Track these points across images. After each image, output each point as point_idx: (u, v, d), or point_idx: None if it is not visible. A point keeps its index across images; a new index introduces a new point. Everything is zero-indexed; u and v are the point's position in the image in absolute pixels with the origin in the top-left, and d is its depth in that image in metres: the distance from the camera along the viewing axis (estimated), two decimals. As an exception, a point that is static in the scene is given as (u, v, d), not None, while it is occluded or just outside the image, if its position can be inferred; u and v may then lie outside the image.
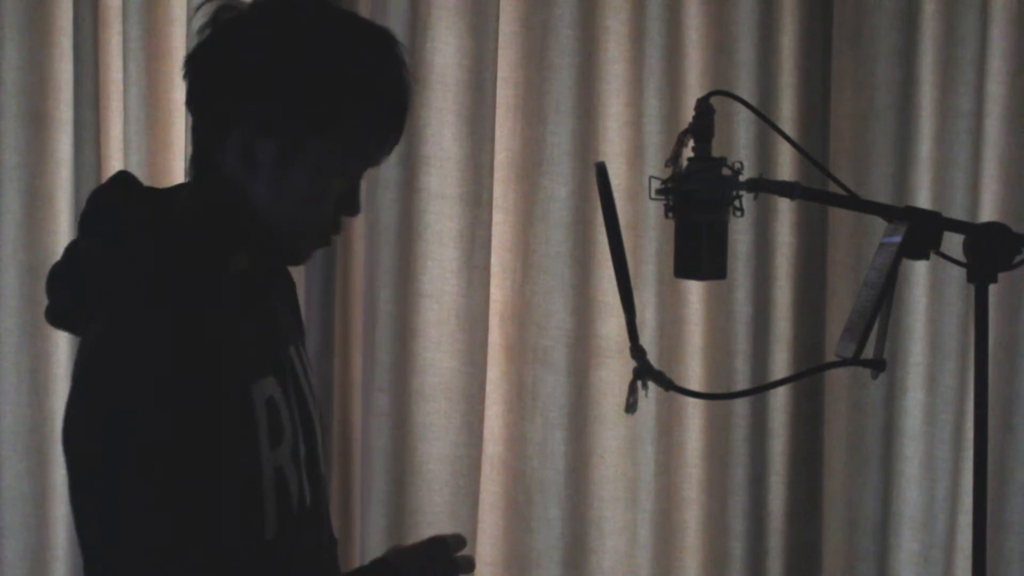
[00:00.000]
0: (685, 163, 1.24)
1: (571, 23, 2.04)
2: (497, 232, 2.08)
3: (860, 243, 2.14)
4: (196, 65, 1.10)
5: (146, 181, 1.91)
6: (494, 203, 2.06)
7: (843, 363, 1.18)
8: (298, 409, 1.17)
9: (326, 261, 2.00)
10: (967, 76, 2.11)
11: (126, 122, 1.98)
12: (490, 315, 2.07)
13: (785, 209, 2.11)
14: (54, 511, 2.00)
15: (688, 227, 1.23)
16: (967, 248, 1.21)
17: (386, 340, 2.00)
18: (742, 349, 2.10)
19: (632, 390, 1.22)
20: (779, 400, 2.12)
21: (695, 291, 2.12)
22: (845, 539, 2.19)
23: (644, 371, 1.22)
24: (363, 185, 1.19)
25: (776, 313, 2.12)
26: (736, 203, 1.22)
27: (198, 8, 1.10)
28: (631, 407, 1.23)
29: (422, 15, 2.01)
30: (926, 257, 1.23)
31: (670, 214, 1.24)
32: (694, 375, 2.13)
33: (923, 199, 2.10)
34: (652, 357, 1.25)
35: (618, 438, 2.11)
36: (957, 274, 2.05)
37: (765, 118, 1.33)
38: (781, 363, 2.11)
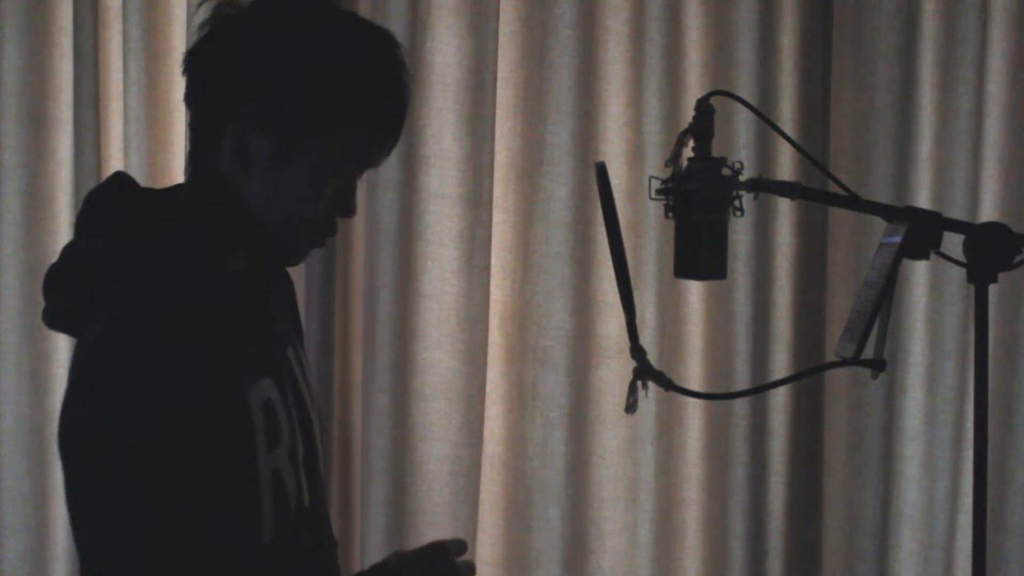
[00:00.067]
0: (685, 163, 1.24)
1: (571, 23, 2.04)
2: (497, 232, 2.08)
3: (860, 243, 2.14)
4: (195, 61, 1.10)
5: (146, 181, 1.93)
6: (494, 203, 2.06)
7: (843, 363, 1.18)
8: (296, 410, 1.16)
9: (326, 261, 2.00)
10: (967, 76, 2.11)
11: (126, 122, 1.98)
12: (490, 315, 2.07)
13: (785, 209, 2.11)
14: (54, 511, 2.00)
15: (688, 227, 1.23)
16: (967, 248, 1.21)
17: (386, 340, 2.00)
18: (742, 349, 2.10)
19: (632, 390, 1.22)
20: (779, 400, 2.12)
21: (695, 291, 2.12)
22: (845, 539, 2.19)
23: (644, 371, 1.22)
24: (360, 186, 1.18)
25: (776, 313, 2.12)
26: (736, 203, 1.22)
27: (199, 5, 1.10)
28: (631, 407, 1.23)
29: (422, 15, 2.01)
30: (926, 257, 1.23)
31: (670, 214, 1.24)
32: (694, 375, 2.13)
33: (923, 199, 2.10)
34: (652, 357, 1.25)
35: (618, 438, 2.11)
36: (957, 274, 2.05)
37: (765, 118, 1.33)
38: (781, 363, 2.11)
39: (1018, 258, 1.20)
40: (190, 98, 1.11)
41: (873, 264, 1.24)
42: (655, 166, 2.05)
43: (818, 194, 1.35)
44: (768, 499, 2.12)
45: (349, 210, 1.14)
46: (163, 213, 1.10)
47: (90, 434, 0.99)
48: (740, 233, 2.07)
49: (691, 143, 1.24)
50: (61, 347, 1.99)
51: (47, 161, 1.99)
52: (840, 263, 2.16)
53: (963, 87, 2.11)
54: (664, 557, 2.13)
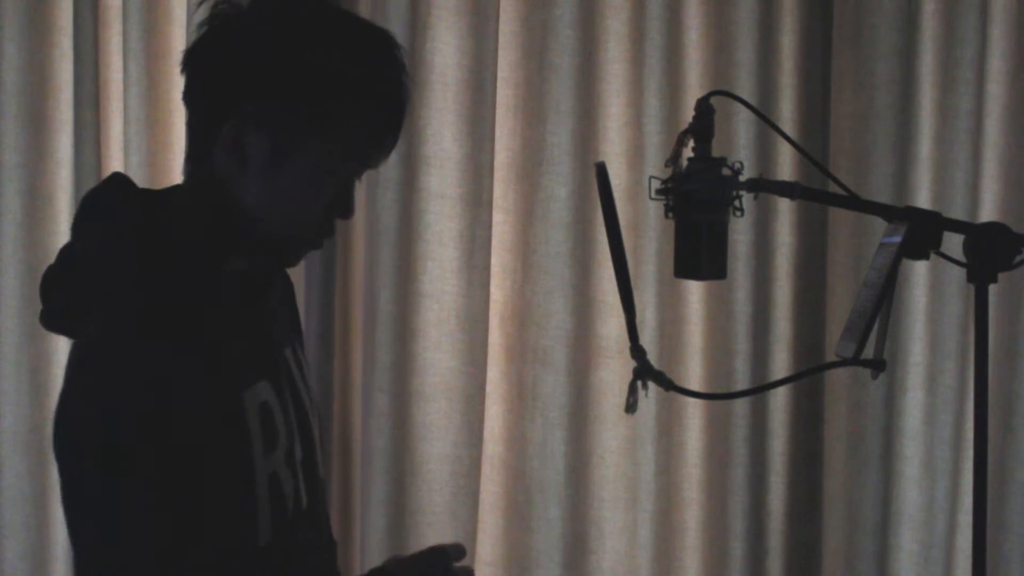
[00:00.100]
0: (685, 163, 1.24)
1: (571, 23, 2.04)
2: (497, 232, 2.08)
3: (860, 243, 2.14)
4: (194, 60, 1.09)
5: (147, 181, 1.94)
6: (494, 203, 2.06)
7: (843, 363, 1.18)
8: (294, 412, 1.16)
9: (326, 261, 2.00)
10: (967, 76, 2.11)
11: (126, 122, 1.98)
12: (490, 315, 2.07)
13: (785, 209, 2.11)
14: (54, 511, 2.00)
15: (688, 227, 1.23)
16: (967, 248, 1.21)
17: (386, 340, 2.00)
18: (742, 349, 2.10)
19: (632, 390, 1.22)
20: (779, 400, 2.12)
21: (695, 291, 2.12)
22: (845, 539, 2.19)
23: (644, 371, 1.22)
24: (359, 186, 1.18)
25: (776, 313, 2.12)
26: (736, 203, 1.22)
27: (199, 4, 1.10)
28: (631, 407, 1.23)
29: (422, 15, 2.01)
30: (926, 257, 1.23)
31: (670, 214, 1.24)
32: (694, 375, 2.13)
33: (923, 199, 2.10)
34: (652, 357, 1.25)
35: (618, 438, 2.11)
36: (957, 274, 2.05)
37: (765, 118, 1.33)
38: (781, 363, 2.11)
39: (1018, 258, 1.20)
40: (188, 97, 1.11)
41: (873, 264, 1.24)
42: (655, 166, 2.05)
43: (818, 194, 1.35)
44: (768, 499, 2.12)
45: (347, 211, 1.13)
46: (161, 214, 1.10)
47: (86, 434, 0.98)
48: (740, 233, 2.07)
49: (691, 143, 1.24)
50: (61, 347, 1.99)
51: (47, 161, 1.99)
52: (840, 263, 2.16)
53: (963, 87, 2.11)
54: (664, 557, 2.13)
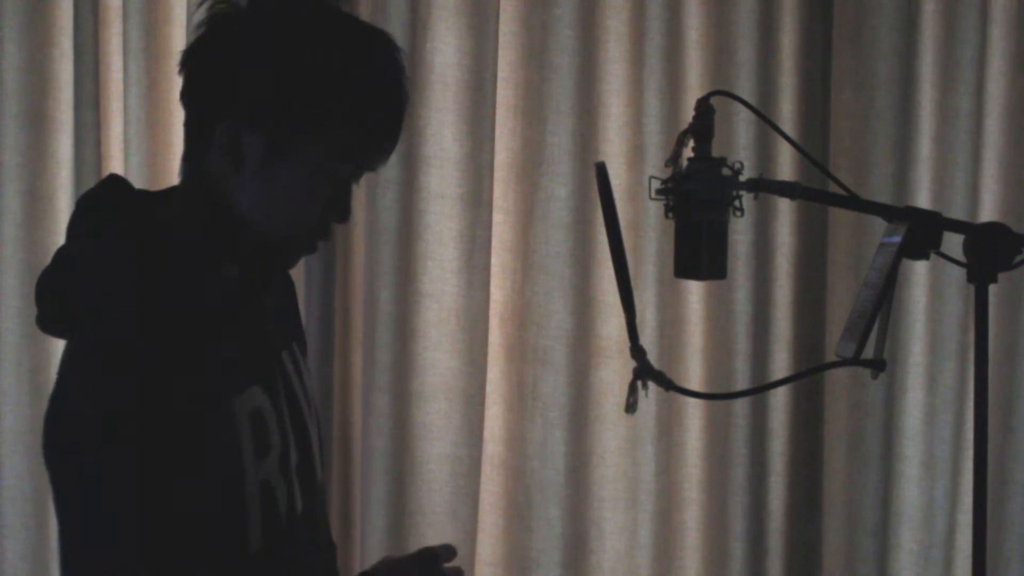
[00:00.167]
0: (685, 163, 1.24)
1: (571, 23, 2.04)
2: (497, 232, 2.08)
3: (860, 243, 2.14)
4: (192, 59, 1.09)
5: (147, 181, 1.94)
6: (494, 203, 2.06)
7: (843, 363, 1.18)
8: (290, 417, 1.15)
9: (326, 261, 2.00)
10: (967, 76, 2.11)
11: (126, 122, 1.98)
12: (490, 315, 2.07)
13: (785, 209, 2.11)
14: (54, 511, 2.00)
15: (688, 227, 1.23)
16: (967, 248, 1.21)
17: (386, 340, 2.00)
18: (742, 349, 2.10)
19: (632, 390, 1.22)
20: (779, 400, 2.12)
21: (695, 291, 2.12)
22: (845, 539, 2.19)
23: (644, 371, 1.22)
24: (359, 187, 1.18)
25: (776, 313, 2.12)
26: (736, 203, 1.22)
27: (199, 4, 1.10)
28: (631, 407, 1.22)
29: (422, 15, 2.01)
30: (926, 257, 1.23)
31: (670, 214, 1.24)
32: (694, 375, 2.13)
33: (923, 199, 2.10)
34: (652, 357, 1.24)
35: (618, 438, 2.11)
36: (957, 274, 2.05)
37: (765, 118, 1.33)
38: (781, 363, 2.11)
39: (1018, 258, 1.19)
40: (186, 97, 1.10)
41: (873, 264, 1.24)
42: (655, 166, 2.05)
43: (818, 194, 1.35)
44: (768, 499, 2.12)
45: (344, 216, 1.12)
46: (155, 217, 1.09)
47: (77, 435, 0.98)
48: (740, 233, 2.07)
49: (691, 143, 1.24)
50: (61, 348, 1.97)
51: (47, 161, 1.99)
52: (840, 263, 2.16)
53: (963, 87, 2.11)
54: (664, 557, 2.13)
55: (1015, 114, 2.14)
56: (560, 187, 2.06)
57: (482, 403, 2.06)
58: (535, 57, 2.07)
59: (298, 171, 1.07)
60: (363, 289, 2.05)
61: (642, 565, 2.11)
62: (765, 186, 1.25)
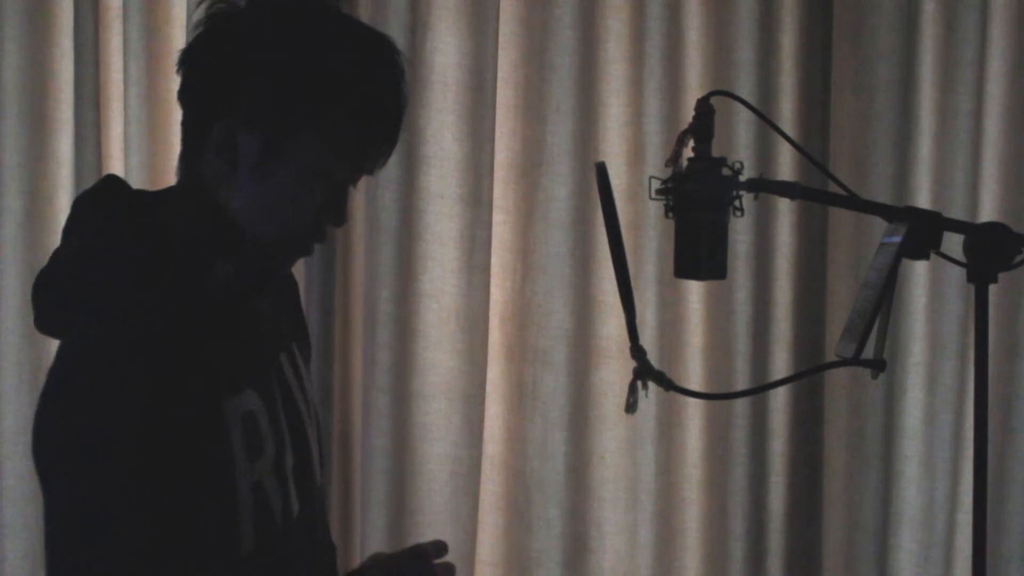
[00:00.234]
0: (685, 163, 1.24)
1: (571, 23, 2.04)
2: (497, 232, 2.08)
3: (860, 243, 2.14)
4: (190, 59, 1.09)
5: (147, 181, 1.94)
6: (494, 203, 2.06)
7: (843, 363, 1.18)
8: (287, 419, 1.14)
9: (326, 261, 2.00)
10: (967, 76, 2.11)
11: (127, 122, 1.98)
12: (490, 315, 2.07)
13: (785, 209, 2.11)
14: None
15: (688, 227, 1.23)
16: (967, 248, 1.21)
17: (386, 340, 2.00)
18: (742, 349, 2.10)
19: (632, 390, 1.22)
20: (779, 400, 2.12)
21: (695, 291, 2.12)
22: (845, 539, 2.19)
23: (644, 371, 1.22)
24: (359, 186, 1.17)
25: (776, 313, 2.12)
26: (736, 203, 1.22)
27: (198, 4, 1.10)
28: (631, 407, 1.22)
29: (422, 15, 2.01)
30: (926, 257, 1.23)
31: (670, 214, 1.24)
32: (694, 375, 2.13)
33: (923, 199, 2.10)
34: (652, 357, 1.24)
35: (618, 438, 2.11)
36: (957, 274, 2.05)
37: (765, 118, 1.33)
38: (781, 363, 2.11)
39: (1018, 258, 1.19)
40: (184, 96, 1.10)
41: (873, 264, 1.24)
42: (655, 166, 2.05)
43: (818, 194, 1.35)
44: (768, 499, 2.12)
45: (340, 219, 1.12)
46: (152, 217, 1.08)
47: (67, 437, 0.98)
48: (740, 233, 2.07)
49: (691, 143, 1.24)
50: (61, 347, 1.99)
51: (47, 161, 1.99)
52: (840, 263, 2.16)
53: (963, 87, 2.11)
54: (664, 557, 2.13)
55: (1015, 114, 2.14)
56: (560, 187, 2.06)
57: (482, 403, 2.06)
58: (535, 57, 2.07)
59: (294, 172, 1.06)
60: (363, 289, 2.05)
61: (642, 565, 2.11)
62: (765, 186, 1.25)
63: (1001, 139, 2.14)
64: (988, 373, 1.20)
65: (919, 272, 2.12)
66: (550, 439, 2.07)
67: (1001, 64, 2.13)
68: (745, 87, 2.06)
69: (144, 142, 1.97)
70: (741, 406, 2.10)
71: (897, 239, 1.21)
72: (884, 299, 1.18)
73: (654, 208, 2.04)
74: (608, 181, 1.19)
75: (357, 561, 2.05)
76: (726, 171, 1.23)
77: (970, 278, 1.21)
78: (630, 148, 2.09)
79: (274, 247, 1.11)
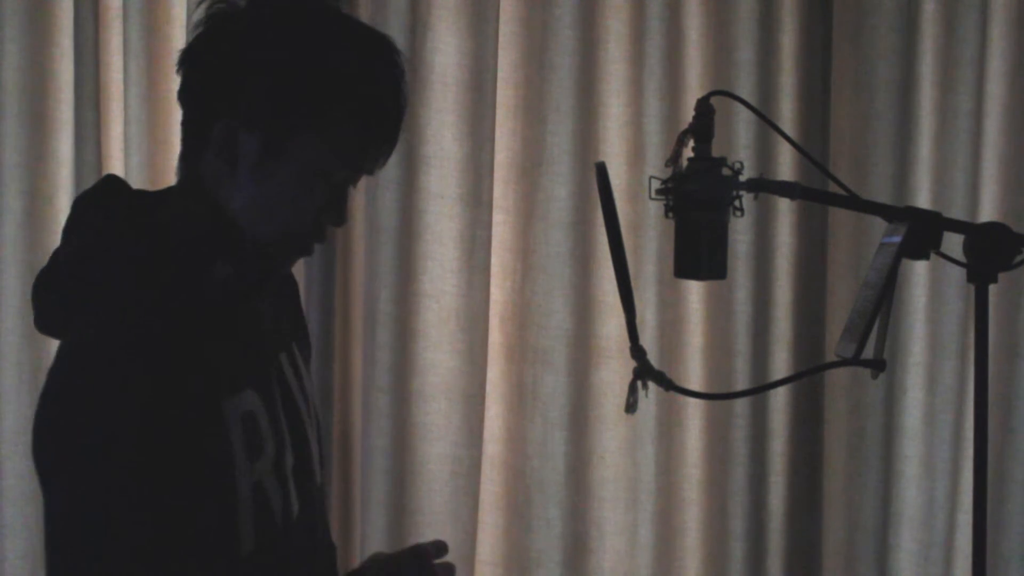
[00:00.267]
0: (685, 163, 1.24)
1: (571, 23, 2.05)
2: (497, 232, 2.08)
3: (860, 243, 2.14)
4: (190, 58, 1.09)
5: (147, 181, 1.94)
6: (494, 203, 2.06)
7: (843, 363, 1.18)
8: (287, 419, 1.14)
9: (326, 261, 2.00)
10: (967, 76, 2.11)
11: (127, 122, 1.98)
12: (490, 315, 2.07)
13: (785, 209, 2.11)
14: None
15: (688, 227, 1.23)
16: (967, 248, 1.21)
17: (386, 340, 2.00)
18: (742, 349, 2.10)
19: (632, 390, 1.22)
20: (779, 400, 2.12)
21: (695, 291, 2.12)
22: (845, 539, 2.19)
23: (644, 371, 1.22)
24: (359, 186, 1.17)
25: (776, 313, 2.12)
26: (736, 203, 1.22)
27: (198, 4, 1.09)
28: (631, 407, 1.22)
29: (422, 15, 2.01)
30: (926, 257, 1.23)
31: (670, 214, 1.24)
32: (694, 375, 2.13)
33: (923, 199, 2.10)
34: (652, 357, 1.24)
35: (618, 438, 2.11)
36: (957, 274, 2.05)
37: (765, 118, 1.33)
38: (781, 363, 2.11)
39: (1018, 258, 1.19)
40: (184, 95, 1.10)
41: (873, 264, 1.24)
42: (655, 166, 2.05)
43: (818, 194, 1.35)
44: (768, 499, 2.12)
45: (340, 219, 1.12)
46: (151, 218, 1.08)
47: (67, 436, 0.98)
48: (740, 233, 2.07)
49: (691, 143, 1.24)
50: (61, 347, 1.99)
51: (48, 161, 1.99)
52: (840, 263, 2.16)
53: (963, 87, 2.11)
54: (664, 557, 2.13)
55: (1015, 114, 2.14)
56: (560, 187, 2.06)
57: (482, 403, 2.06)
58: (535, 57, 2.07)
59: (294, 172, 1.06)
60: (363, 289, 2.05)
61: (642, 565, 2.11)
62: (765, 186, 1.25)
63: (1001, 139, 2.14)
64: (988, 373, 1.20)
65: (919, 272, 2.12)
66: (550, 439, 2.08)
67: (1001, 64, 2.13)
68: (745, 87, 2.06)
69: (144, 142, 1.97)
70: (741, 406, 2.10)
71: (897, 239, 1.21)
72: (884, 299, 1.18)
73: (654, 208, 2.04)
74: (608, 181, 1.19)
75: (357, 561, 2.05)
76: (726, 171, 1.23)
77: (970, 278, 1.21)
78: (630, 148, 2.09)
79: (274, 247, 1.10)
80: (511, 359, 2.11)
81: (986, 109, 2.13)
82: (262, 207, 1.07)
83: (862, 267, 2.12)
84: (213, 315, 1.07)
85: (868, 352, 1.17)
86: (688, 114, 1.25)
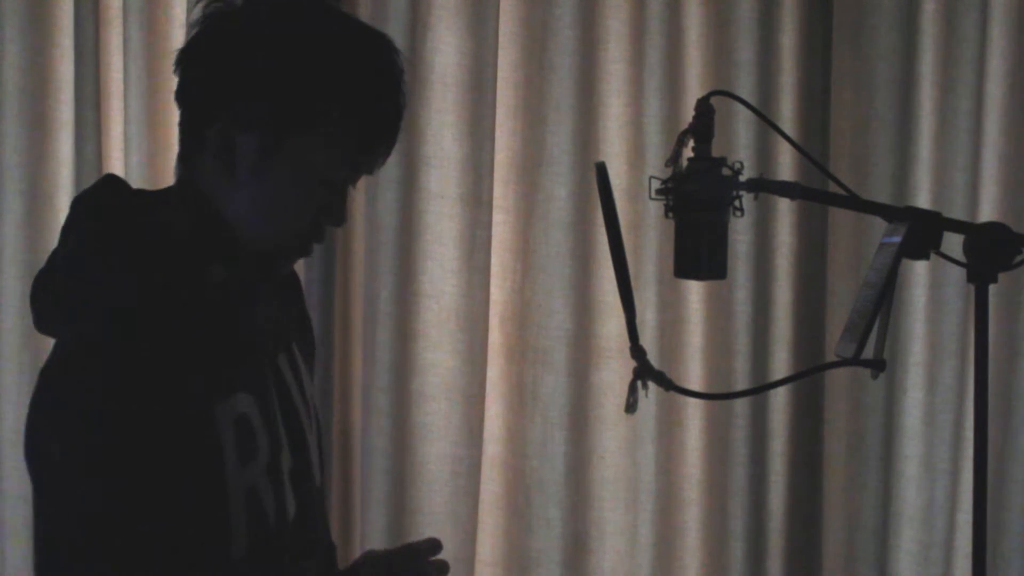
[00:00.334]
0: (685, 163, 1.24)
1: (571, 23, 2.05)
2: (497, 232, 2.08)
3: (860, 243, 2.14)
4: (187, 59, 1.09)
5: (147, 181, 1.94)
6: (494, 203, 2.06)
7: (843, 363, 1.18)
8: (284, 421, 1.13)
9: (326, 261, 2.00)
10: (967, 76, 2.11)
11: (127, 122, 1.98)
12: (490, 315, 2.07)
13: (785, 209, 2.11)
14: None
15: (688, 227, 1.23)
16: (967, 248, 1.21)
17: (386, 340, 2.00)
18: (742, 349, 2.10)
19: (632, 390, 1.22)
20: (779, 400, 2.12)
21: (695, 291, 2.12)
22: (845, 539, 2.19)
23: (644, 371, 1.22)
24: (359, 186, 1.17)
25: (776, 313, 2.12)
26: (736, 203, 1.22)
27: (195, 4, 1.09)
28: (631, 407, 1.22)
29: (422, 15, 2.01)
30: (926, 257, 1.23)
31: (670, 214, 1.24)
32: (694, 375, 2.13)
33: (923, 199, 2.10)
34: (652, 357, 1.24)
35: (618, 438, 2.11)
36: (957, 274, 2.05)
37: (765, 118, 1.33)
38: (781, 363, 2.11)
39: (1018, 258, 1.19)
40: (181, 96, 1.10)
41: (873, 264, 1.24)
42: (655, 166, 2.05)
43: (818, 194, 1.35)
44: (768, 499, 2.12)
45: (338, 219, 1.11)
46: (149, 219, 1.07)
47: (60, 436, 0.98)
48: (740, 233, 2.07)
49: (691, 143, 1.24)
50: (61, 347, 1.99)
51: (48, 161, 1.99)
52: (840, 263, 2.16)
53: (963, 87, 2.11)
54: (664, 557, 2.13)
55: (1015, 114, 2.14)
56: (560, 187, 2.06)
57: (482, 403, 2.06)
58: (535, 57, 2.07)
59: (292, 172, 1.06)
60: (363, 289, 2.05)
61: (642, 565, 2.11)
62: (765, 186, 1.25)
63: (1001, 139, 2.14)
64: (988, 373, 1.20)
65: (919, 272, 2.12)
66: (550, 439, 2.07)
67: (1001, 64, 2.13)
68: (745, 87, 2.06)
69: (144, 142, 1.97)
70: (741, 406, 2.10)
71: (897, 239, 1.21)
72: (884, 299, 1.18)
73: (654, 208, 2.04)
74: (608, 181, 1.19)
75: (357, 561, 2.05)
76: (726, 171, 1.22)
77: (970, 278, 1.20)
78: (630, 148, 2.09)
79: (274, 247, 1.10)
80: (511, 359, 2.11)
81: (986, 109, 2.13)
82: (261, 208, 1.07)
83: (862, 267, 2.12)
84: (208, 317, 1.06)
85: (868, 352, 1.17)
86: (688, 114, 1.25)
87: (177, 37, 1.99)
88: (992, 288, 1.21)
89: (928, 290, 2.13)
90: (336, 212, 1.11)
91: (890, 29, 2.12)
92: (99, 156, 1.99)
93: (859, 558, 2.17)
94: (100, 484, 0.96)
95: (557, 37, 2.05)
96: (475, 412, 2.04)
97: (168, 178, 1.97)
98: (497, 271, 2.09)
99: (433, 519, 2.03)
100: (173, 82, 1.14)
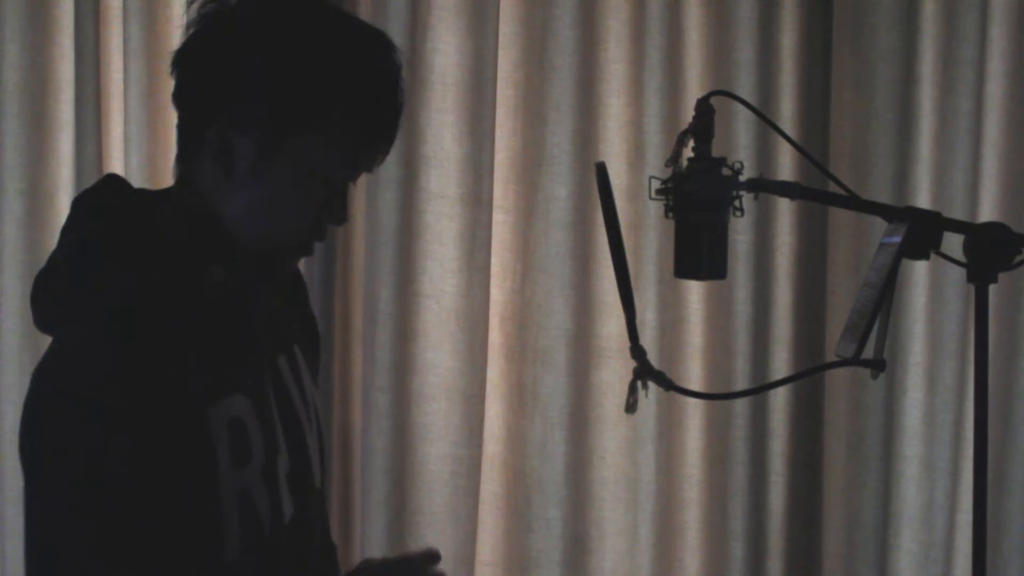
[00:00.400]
0: (685, 163, 1.24)
1: (571, 23, 2.05)
2: (497, 232, 2.08)
3: (860, 243, 2.14)
4: (183, 60, 1.08)
5: (147, 181, 1.94)
6: (494, 203, 2.06)
7: (843, 363, 1.18)
8: (283, 423, 1.13)
9: (326, 261, 2.00)
10: (967, 76, 2.11)
11: (127, 122, 1.98)
12: (490, 315, 2.07)
13: (785, 209, 2.11)
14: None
15: (688, 227, 1.23)
16: (967, 248, 1.21)
17: (386, 340, 2.00)
18: (742, 349, 2.10)
19: (632, 390, 1.22)
20: (779, 400, 2.12)
21: (695, 291, 2.12)
22: (845, 539, 2.19)
23: (644, 371, 1.22)
24: (359, 186, 1.17)
25: (776, 313, 2.12)
26: (736, 203, 1.22)
27: (189, 5, 1.08)
28: (631, 407, 1.22)
29: (422, 15, 2.01)
30: (926, 257, 1.23)
31: (670, 214, 1.24)
32: (694, 375, 2.13)
33: (923, 199, 2.10)
34: (652, 357, 1.24)
35: (618, 438, 2.11)
36: (957, 274, 2.05)
37: (765, 118, 1.33)
38: (781, 363, 2.11)
39: (1018, 258, 1.19)
40: (178, 98, 1.09)
41: (873, 264, 1.24)
42: (655, 166, 2.05)
43: (818, 194, 1.35)
44: (768, 499, 2.12)
45: (340, 218, 1.10)
46: (148, 219, 1.07)
47: (44, 441, 0.97)
48: (740, 233, 2.07)
49: (691, 143, 1.24)
50: (61, 347, 1.99)
51: (48, 161, 1.99)
52: (840, 263, 2.16)
53: (963, 87, 2.11)
54: (664, 557, 2.13)
55: (1015, 114, 2.14)
56: (560, 187, 2.06)
57: (482, 403, 2.06)
58: (535, 57, 2.07)
59: (291, 172, 1.05)
60: (363, 289, 2.05)
61: (642, 565, 2.11)
62: (765, 186, 1.25)
63: (1001, 139, 2.14)
64: (988, 373, 1.20)
65: (919, 272, 2.12)
66: (550, 439, 2.08)
67: (1001, 64, 2.13)
68: (745, 87, 2.07)
69: (144, 142, 1.97)
70: (741, 406, 2.10)
71: (897, 239, 1.21)
72: (884, 299, 1.18)
73: (654, 208, 2.04)
74: (608, 181, 1.19)
75: (357, 561, 2.04)
76: (726, 171, 1.22)
77: (970, 278, 1.20)
78: (630, 148, 2.09)
79: (275, 247, 1.10)
80: (511, 359, 2.11)
81: (986, 109, 2.13)
82: (261, 208, 1.06)
83: (862, 267, 2.12)
84: (205, 318, 1.05)
85: (868, 352, 1.17)
86: (688, 114, 1.25)
87: (177, 37, 1.97)
88: (992, 288, 1.21)
89: (928, 290, 2.13)
90: (337, 210, 1.10)
91: (890, 29, 2.12)
92: (99, 156, 1.99)
93: (859, 558, 2.18)
94: (88, 485, 0.95)
95: (557, 37, 2.05)
96: (475, 412, 2.04)
97: (168, 178, 1.97)
98: (497, 271, 2.09)
99: (433, 519, 2.03)
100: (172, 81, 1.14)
